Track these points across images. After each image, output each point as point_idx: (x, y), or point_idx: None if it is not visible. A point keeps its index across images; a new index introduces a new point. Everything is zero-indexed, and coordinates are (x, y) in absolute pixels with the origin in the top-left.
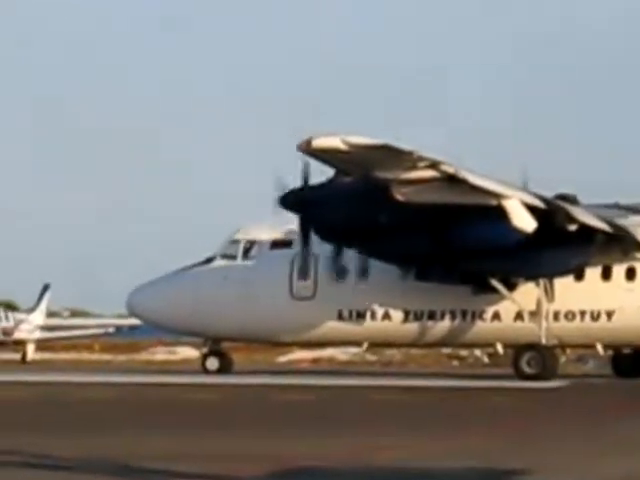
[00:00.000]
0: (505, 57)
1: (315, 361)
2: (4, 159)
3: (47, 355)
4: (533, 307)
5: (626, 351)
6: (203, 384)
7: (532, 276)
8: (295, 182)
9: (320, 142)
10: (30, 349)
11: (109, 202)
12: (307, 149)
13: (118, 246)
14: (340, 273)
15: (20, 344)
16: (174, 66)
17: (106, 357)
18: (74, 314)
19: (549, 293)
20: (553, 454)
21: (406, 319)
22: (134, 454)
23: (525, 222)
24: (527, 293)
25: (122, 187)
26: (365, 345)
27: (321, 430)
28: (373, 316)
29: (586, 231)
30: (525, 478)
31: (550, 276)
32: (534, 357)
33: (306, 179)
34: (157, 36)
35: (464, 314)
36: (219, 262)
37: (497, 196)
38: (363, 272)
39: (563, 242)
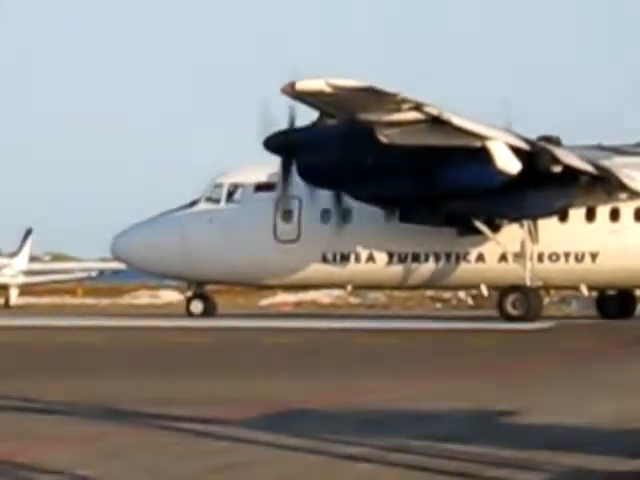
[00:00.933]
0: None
1: (298, 304)
2: None
3: (30, 300)
4: (517, 249)
5: (610, 292)
6: (188, 327)
7: (516, 218)
8: (281, 125)
9: (304, 84)
10: (13, 294)
11: (92, 146)
12: (291, 91)
13: (100, 189)
14: (323, 215)
15: (3, 289)
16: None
17: (89, 301)
18: (55, 258)
19: (533, 235)
20: (542, 395)
21: (390, 261)
22: (125, 398)
23: (509, 164)
24: (511, 235)
25: (106, 130)
26: (349, 288)
27: (309, 373)
28: (357, 258)
29: (570, 173)
30: (515, 419)
31: (534, 218)
32: (518, 298)
33: (292, 122)
34: None
35: (448, 256)
36: (203, 205)
37: (481, 138)
38: (346, 214)
39: (547, 184)
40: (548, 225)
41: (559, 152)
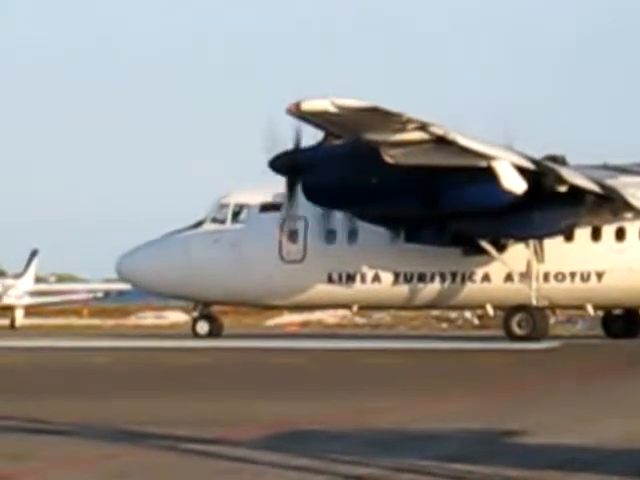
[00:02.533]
0: (491, 10)
1: (304, 324)
2: None
3: (36, 320)
4: (523, 268)
5: (616, 312)
6: (194, 348)
7: (522, 237)
8: (286, 145)
9: (309, 105)
10: (19, 315)
11: (97, 167)
12: (297, 112)
13: (106, 211)
14: (329, 236)
15: (8, 310)
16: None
17: (95, 322)
18: (61, 279)
19: (539, 254)
20: (549, 415)
21: (396, 281)
22: (131, 419)
23: (515, 183)
24: (517, 254)
25: (109, 150)
26: (355, 308)
27: (315, 393)
28: (363, 279)
29: (576, 192)
30: (523, 438)
31: (540, 237)
32: (524, 318)
33: (298, 142)
34: None
35: (454, 276)
36: (209, 226)
37: (487, 158)
38: (352, 235)
39: (553, 203)
40: (554, 245)
41: (564, 171)
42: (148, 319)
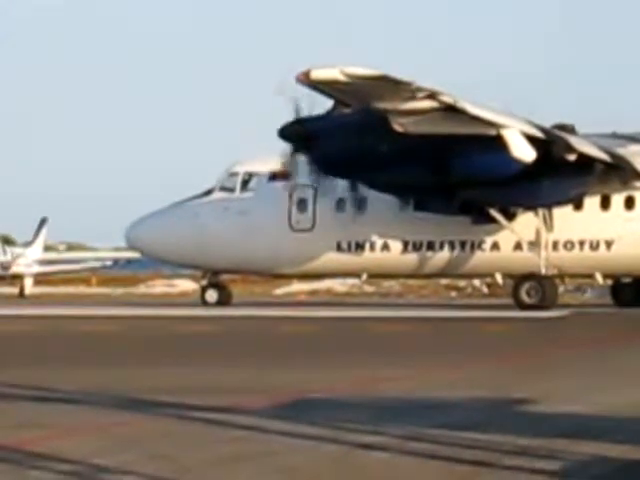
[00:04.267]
0: None
1: (313, 293)
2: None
3: (45, 289)
4: (532, 237)
5: (625, 280)
6: (204, 316)
7: (531, 206)
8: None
9: (319, 73)
10: (28, 283)
11: (107, 136)
12: (306, 80)
13: (115, 180)
14: (338, 204)
15: (18, 278)
16: None
17: (104, 290)
18: (70, 248)
19: (548, 223)
20: (558, 383)
21: (405, 250)
22: (140, 387)
23: (524, 152)
24: (526, 223)
25: (118, 121)
26: (364, 276)
27: (324, 362)
28: (372, 247)
29: (585, 161)
30: (531, 407)
31: (549, 206)
32: (533, 287)
33: (297, 111)
34: None
35: (463, 244)
36: (218, 194)
37: (496, 126)
38: (361, 203)
39: (562, 172)
40: (563, 213)
41: (574, 140)
42: (157, 288)
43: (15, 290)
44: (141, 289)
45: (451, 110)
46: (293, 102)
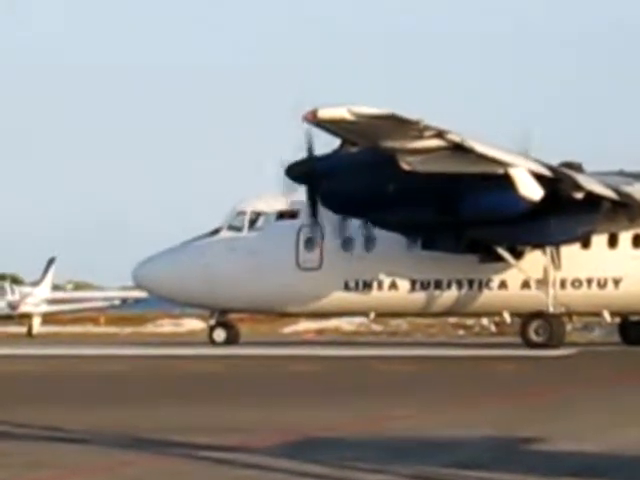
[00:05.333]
0: (507, 22)
1: (320, 332)
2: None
3: (53, 328)
4: (540, 275)
5: (633, 319)
6: (211, 355)
7: (539, 244)
8: (300, 154)
9: (326, 112)
10: (36, 322)
11: (112, 176)
12: (313, 119)
13: (122, 219)
14: (345, 243)
15: (26, 317)
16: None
17: (112, 330)
18: (77, 287)
19: (556, 261)
20: (565, 422)
21: (413, 288)
22: (148, 426)
23: (532, 190)
24: (534, 261)
25: (126, 160)
26: (372, 315)
27: (331, 400)
28: (380, 286)
29: (592, 199)
30: (539, 446)
31: (557, 244)
32: (541, 325)
33: (310, 150)
34: None
35: (471, 283)
36: (225, 234)
37: (504, 164)
38: (369, 242)
39: (569, 210)
40: (570, 251)
41: (581, 178)
42: (165, 327)
43: (23, 329)
44: (149, 328)
45: (458, 149)
46: (306, 138)
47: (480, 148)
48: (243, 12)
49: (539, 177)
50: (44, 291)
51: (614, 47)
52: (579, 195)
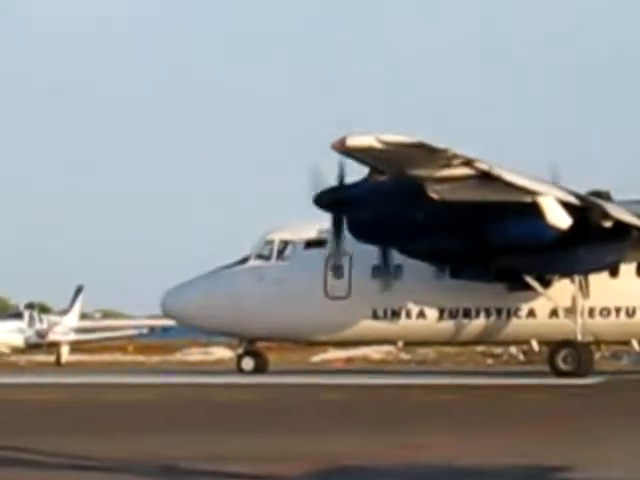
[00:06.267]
0: (526, 50)
1: (349, 360)
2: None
3: (81, 357)
4: (568, 304)
5: None
6: (240, 384)
7: (567, 273)
8: (330, 181)
9: (354, 141)
10: (64, 351)
11: (141, 203)
12: (341, 148)
13: (150, 247)
14: (373, 272)
15: (54, 346)
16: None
17: (140, 358)
18: (105, 315)
19: (584, 290)
20: (595, 451)
21: (441, 317)
22: (178, 455)
23: (560, 219)
24: (562, 290)
25: (152, 189)
26: (400, 344)
27: (360, 429)
28: (408, 315)
29: (621, 227)
30: (570, 474)
31: (585, 273)
32: (570, 354)
33: (341, 178)
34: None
35: (499, 311)
36: (253, 262)
37: (532, 193)
38: (397, 270)
39: (598, 239)
40: (599, 280)
41: (609, 207)
42: (193, 355)
43: (52, 358)
44: (177, 357)
45: (487, 177)
46: (338, 167)
47: (508, 176)
48: (275, 42)
49: (567, 206)
50: (72, 320)
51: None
52: (608, 224)
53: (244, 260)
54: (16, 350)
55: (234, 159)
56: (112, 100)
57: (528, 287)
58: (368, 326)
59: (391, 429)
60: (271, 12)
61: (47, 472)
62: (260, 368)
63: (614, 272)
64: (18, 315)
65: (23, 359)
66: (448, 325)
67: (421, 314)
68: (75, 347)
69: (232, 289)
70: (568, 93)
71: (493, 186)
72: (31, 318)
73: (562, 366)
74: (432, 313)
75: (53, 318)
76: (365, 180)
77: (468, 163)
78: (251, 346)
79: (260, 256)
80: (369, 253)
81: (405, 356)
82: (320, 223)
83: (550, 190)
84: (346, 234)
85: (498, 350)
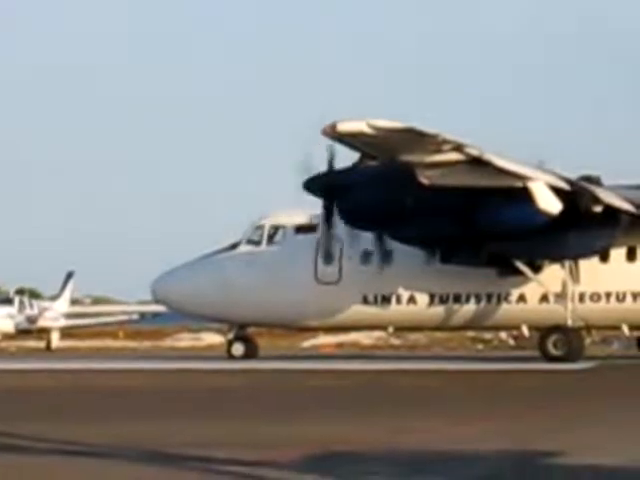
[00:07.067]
0: (520, 26)
1: (339, 346)
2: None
3: (71, 343)
4: (559, 289)
5: None
6: (230, 370)
7: (557, 258)
8: (319, 167)
9: (345, 126)
10: (55, 337)
11: (129, 190)
12: (332, 133)
13: (140, 233)
14: (364, 257)
15: (44, 332)
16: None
17: (131, 344)
18: (96, 301)
19: (574, 275)
20: (585, 436)
21: (431, 302)
22: (167, 441)
23: (550, 204)
24: (552, 275)
25: (144, 174)
26: (390, 329)
27: (351, 415)
28: (398, 300)
29: (611, 212)
30: (559, 459)
31: (575, 258)
32: (560, 339)
33: (331, 164)
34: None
35: (489, 297)
36: (244, 248)
37: (522, 178)
38: (387, 256)
39: (588, 224)
40: (589, 265)
41: (600, 192)
42: (184, 341)
43: (42, 344)
44: (167, 342)
45: (477, 162)
46: (328, 152)
47: (498, 162)
48: (264, 33)
49: (558, 191)
50: (63, 305)
51: (634, 55)
52: (598, 209)
53: (234, 245)
54: (6, 336)
55: (225, 145)
56: (113, 97)
57: (518, 272)
58: (358, 311)
59: (382, 414)
60: (270, 10)
61: (33, 457)
62: (250, 354)
63: (604, 257)
64: (8, 301)
65: (13, 345)
66: (438, 310)
67: (411, 299)
68: (65, 333)
69: (222, 275)
70: (562, 76)
71: (483, 171)
72: (21, 304)
73: (553, 351)
74: (422, 298)
75: (43, 304)
76: (356, 165)
77: (458, 148)
78: (241, 332)
79: (250, 241)
80: (360, 238)
81: (396, 341)
82: (311, 208)
83: (540, 175)
84: (336, 219)
85: (488, 335)
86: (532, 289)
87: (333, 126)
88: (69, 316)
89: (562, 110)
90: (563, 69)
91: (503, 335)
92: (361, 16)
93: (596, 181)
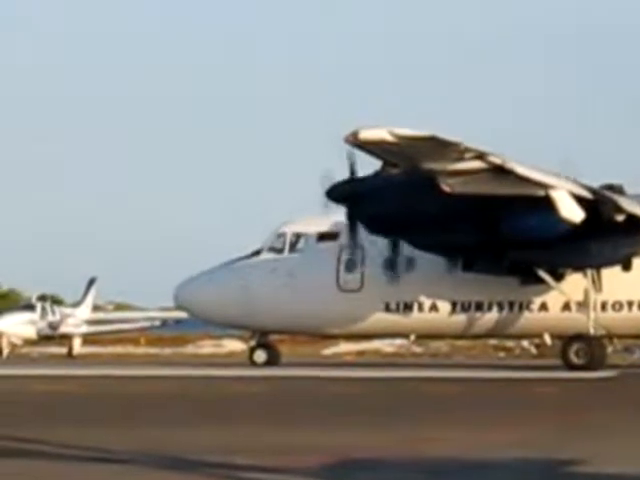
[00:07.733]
0: (540, 41)
1: (361, 353)
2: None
3: (93, 349)
4: (581, 297)
5: None
6: (252, 377)
7: (580, 267)
8: (342, 175)
9: (367, 134)
10: (76, 343)
11: (153, 196)
12: (354, 141)
13: (163, 240)
14: (386, 265)
15: (66, 338)
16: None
17: (152, 350)
18: (118, 308)
19: (597, 283)
20: (607, 444)
21: (453, 310)
22: (189, 447)
23: (573, 213)
24: (575, 283)
25: (167, 182)
26: (412, 337)
27: (372, 422)
28: (420, 308)
29: (633, 221)
30: (581, 468)
31: (597, 266)
32: (582, 347)
33: (353, 171)
34: None
35: (511, 305)
36: (266, 255)
37: (545, 187)
38: (409, 263)
39: (610, 232)
40: (611, 274)
41: (622, 200)
42: (205, 348)
43: (64, 350)
44: (189, 349)
45: (499, 171)
46: (349, 160)
47: (521, 170)
48: (289, 41)
49: (580, 199)
50: (85, 312)
51: None
52: (620, 217)
53: (257, 253)
54: (28, 342)
55: (248, 153)
56: (115, 98)
57: (540, 281)
58: (380, 319)
59: (403, 422)
60: (270, 9)
61: (56, 463)
62: (272, 361)
63: (627, 266)
64: (30, 307)
65: (35, 351)
66: (460, 318)
67: (433, 307)
68: (87, 339)
69: (245, 282)
70: (584, 86)
71: (506, 179)
72: (43, 310)
73: (574, 360)
74: (444, 306)
75: (65, 310)
76: (378, 173)
77: (481, 156)
78: (263, 339)
79: (272, 249)
80: (381, 246)
81: (417, 349)
82: (333, 216)
83: (563, 184)
84: (359, 227)
85: (510, 344)
86: (554, 297)
87: (355, 134)
88: (91, 322)
89: (587, 118)
90: (594, 75)
91: (525, 343)
92: (389, 27)
93: (619, 190)
